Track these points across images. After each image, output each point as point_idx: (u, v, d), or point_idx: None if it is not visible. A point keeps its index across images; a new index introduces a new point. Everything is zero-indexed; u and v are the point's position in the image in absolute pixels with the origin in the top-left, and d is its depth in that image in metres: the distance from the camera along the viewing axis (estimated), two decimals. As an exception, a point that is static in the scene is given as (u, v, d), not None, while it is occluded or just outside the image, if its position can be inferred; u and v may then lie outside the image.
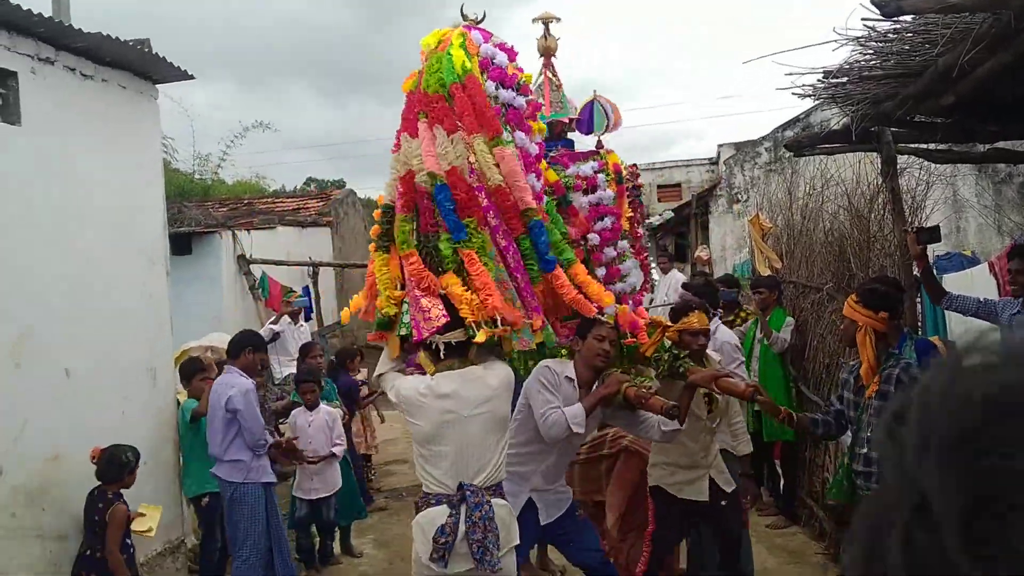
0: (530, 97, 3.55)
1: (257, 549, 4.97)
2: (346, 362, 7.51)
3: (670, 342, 4.22)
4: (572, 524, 4.08)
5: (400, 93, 3.68)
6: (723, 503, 4.33)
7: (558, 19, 4.27)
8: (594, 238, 4.23)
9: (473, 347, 3.39)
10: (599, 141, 4.38)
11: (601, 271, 4.23)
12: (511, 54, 3.56)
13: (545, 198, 3.62)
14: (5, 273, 4.48)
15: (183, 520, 5.91)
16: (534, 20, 4.29)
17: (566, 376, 3.88)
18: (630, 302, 4.37)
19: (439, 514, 3.27)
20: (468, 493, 3.23)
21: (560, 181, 4.03)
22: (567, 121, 4.34)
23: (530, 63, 4.30)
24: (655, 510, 4.34)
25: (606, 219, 4.26)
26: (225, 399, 4.97)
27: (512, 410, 3.68)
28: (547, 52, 4.30)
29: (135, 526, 4.76)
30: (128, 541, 4.65)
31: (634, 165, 5.29)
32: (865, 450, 3.73)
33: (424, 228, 3.42)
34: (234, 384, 5.01)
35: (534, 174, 3.52)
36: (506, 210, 3.39)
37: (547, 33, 4.28)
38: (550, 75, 4.40)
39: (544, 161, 3.74)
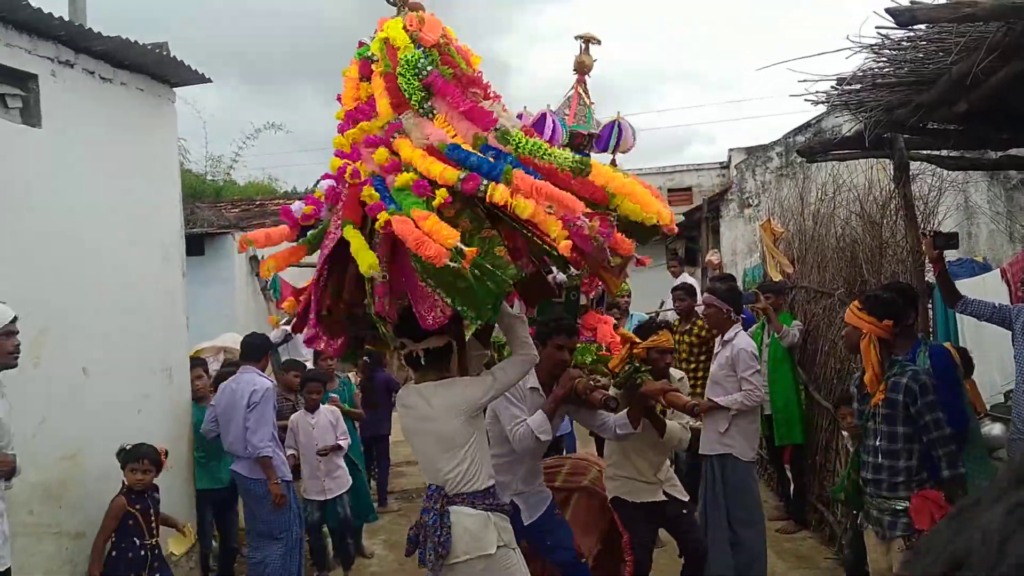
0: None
1: (294, 538, 5.14)
2: (381, 359, 7.58)
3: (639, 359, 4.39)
4: (552, 521, 4.20)
5: None
6: (684, 511, 4.58)
7: (599, 41, 4.41)
8: None
9: (449, 357, 3.57)
10: (613, 159, 4.47)
11: None
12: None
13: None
14: (24, 273, 4.53)
15: (195, 521, 5.94)
16: (576, 37, 4.44)
17: (530, 387, 4.07)
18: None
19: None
20: (426, 495, 3.49)
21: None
22: (586, 135, 4.43)
23: (566, 76, 4.48)
24: (621, 518, 4.51)
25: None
26: (248, 396, 5.11)
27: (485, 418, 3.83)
28: (581, 68, 4.45)
29: (169, 545, 4.85)
30: (137, 542, 4.63)
31: None
32: (872, 458, 3.74)
33: None
34: (256, 383, 5.23)
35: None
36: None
37: (586, 51, 4.42)
38: (581, 91, 4.52)
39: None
